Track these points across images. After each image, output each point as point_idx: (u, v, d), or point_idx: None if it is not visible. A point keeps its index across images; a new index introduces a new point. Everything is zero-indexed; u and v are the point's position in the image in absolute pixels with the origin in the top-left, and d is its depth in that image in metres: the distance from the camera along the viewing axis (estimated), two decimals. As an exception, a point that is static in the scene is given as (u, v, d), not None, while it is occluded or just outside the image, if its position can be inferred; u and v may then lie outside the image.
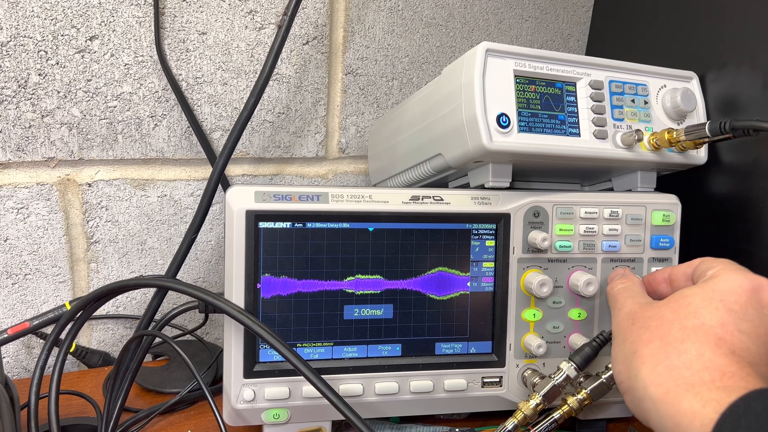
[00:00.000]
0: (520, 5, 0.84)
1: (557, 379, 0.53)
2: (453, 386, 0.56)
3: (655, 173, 0.64)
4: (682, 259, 0.61)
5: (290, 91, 0.77)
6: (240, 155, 0.77)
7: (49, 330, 0.68)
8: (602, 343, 0.54)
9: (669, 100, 0.61)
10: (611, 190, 0.65)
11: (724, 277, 0.43)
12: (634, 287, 0.52)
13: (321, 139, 0.80)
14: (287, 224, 0.54)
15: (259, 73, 0.70)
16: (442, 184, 0.65)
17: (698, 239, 0.66)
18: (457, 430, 0.60)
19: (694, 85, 0.63)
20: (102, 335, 0.76)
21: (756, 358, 0.39)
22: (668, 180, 0.66)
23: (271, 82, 0.75)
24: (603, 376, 0.54)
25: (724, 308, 0.41)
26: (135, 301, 0.76)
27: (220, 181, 0.63)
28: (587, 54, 0.86)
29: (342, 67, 0.78)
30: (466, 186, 0.60)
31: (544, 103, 0.57)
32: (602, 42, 0.84)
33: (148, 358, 0.73)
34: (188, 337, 0.75)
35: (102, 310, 0.75)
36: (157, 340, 0.58)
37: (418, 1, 0.79)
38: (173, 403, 0.62)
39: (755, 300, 0.42)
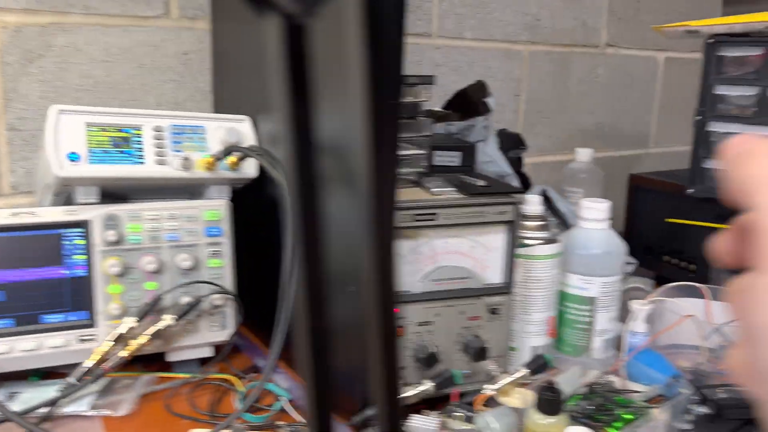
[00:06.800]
0: (159, 71, 1.11)
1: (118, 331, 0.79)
2: (54, 344, 0.80)
3: (227, 186, 0.92)
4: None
5: (-40, 145, 0.97)
6: None
7: None
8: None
9: (222, 135, 0.90)
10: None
11: None
12: None
13: (-6, 182, 1.01)
14: None
15: None
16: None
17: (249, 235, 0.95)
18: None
19: (245, 125, 0.92)
20: None
21: None
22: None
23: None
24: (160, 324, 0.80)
25: None
26: None
27: None
28: (215, 107, 1.14)
29: (4, 125, 1.00)
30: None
31: (115, 143, 0.83)
32: (222, 98, 1.13)
33: None
34: None
35: None
36: None
37: (69, 75, 1.04)
38: None
39: None
